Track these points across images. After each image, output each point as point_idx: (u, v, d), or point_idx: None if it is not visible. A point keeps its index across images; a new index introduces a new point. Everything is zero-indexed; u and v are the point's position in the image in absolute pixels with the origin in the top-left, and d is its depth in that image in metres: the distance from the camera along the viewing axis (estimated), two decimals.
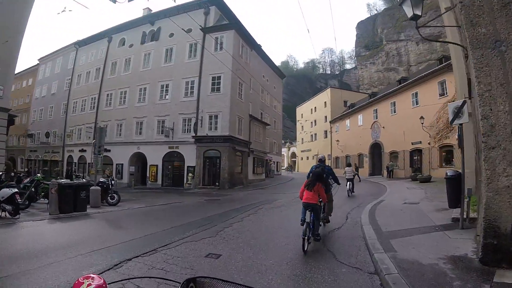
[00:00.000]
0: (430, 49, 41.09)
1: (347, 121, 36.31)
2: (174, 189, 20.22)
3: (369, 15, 73.57)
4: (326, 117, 43.35)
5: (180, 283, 0.94)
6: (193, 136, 20.76)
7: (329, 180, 6.13)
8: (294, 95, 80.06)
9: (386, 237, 5.07)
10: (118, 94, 24.89)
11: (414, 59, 30.97)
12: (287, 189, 18.62)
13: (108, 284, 0.86)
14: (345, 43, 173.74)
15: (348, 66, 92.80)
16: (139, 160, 23.36)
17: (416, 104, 22.97)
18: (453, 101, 19.08)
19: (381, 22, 58.60)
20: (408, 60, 43.61)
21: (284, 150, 63.23)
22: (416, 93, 23.05)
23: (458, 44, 5.53)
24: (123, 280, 1.70)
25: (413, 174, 19.67)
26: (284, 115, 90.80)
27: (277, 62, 37.56)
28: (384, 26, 56.22)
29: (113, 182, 11.74)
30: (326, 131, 43.15)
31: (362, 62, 63.29)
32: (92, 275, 0.85)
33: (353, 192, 12.96)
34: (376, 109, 29.35)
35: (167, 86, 22.72)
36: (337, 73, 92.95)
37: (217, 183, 20.44)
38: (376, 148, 29.64)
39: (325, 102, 43.73)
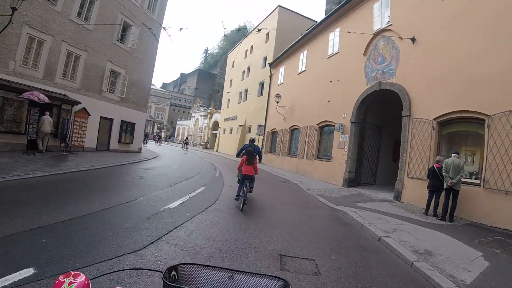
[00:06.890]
0: None
1: (302, 55, 16.90)
2: None
3: None
4: (265, 58, 23.72)
5: (162, 272, 0.93)
6: None
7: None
8: None
9: None
10: None
11: None
12: None
13: (91, 280, 0.80)
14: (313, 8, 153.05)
15: None
16: None
17: None
18: None
19: None
20: None
21: (204, 121, 43.21)
22: None
23: None
24: (105, 274, 1.37)
25: None
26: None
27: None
28: None
29: None
30: (262, 84, 23.58)
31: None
32: (73, 272, 0.80)
33: None
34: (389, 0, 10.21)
35: None
36: None
37: None
38: (377, 107, 11.03)
39: (268, 34, 23.74)
